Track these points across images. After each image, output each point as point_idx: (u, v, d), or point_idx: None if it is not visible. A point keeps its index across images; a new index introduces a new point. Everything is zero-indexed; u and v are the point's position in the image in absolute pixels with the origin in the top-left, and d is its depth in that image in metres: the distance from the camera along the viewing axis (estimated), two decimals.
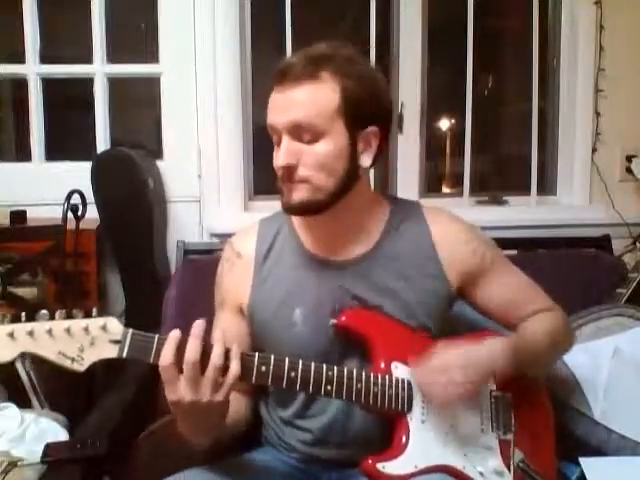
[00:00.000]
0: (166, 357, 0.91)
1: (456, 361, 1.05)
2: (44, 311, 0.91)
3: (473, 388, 1.06)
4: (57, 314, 0.92)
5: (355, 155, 1.09)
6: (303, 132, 1.05)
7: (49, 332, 0.90)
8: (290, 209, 1.11)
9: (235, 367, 0.93)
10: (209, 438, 1.03)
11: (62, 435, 1.39)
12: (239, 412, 1.13)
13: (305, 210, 1.10)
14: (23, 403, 1.55)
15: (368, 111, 1.08)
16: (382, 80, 1.13)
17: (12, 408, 1.43)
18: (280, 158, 1.06)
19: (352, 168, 1.08)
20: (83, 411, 1.45)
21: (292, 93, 1.04)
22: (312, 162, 1.05)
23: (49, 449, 1.21)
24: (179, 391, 0.91)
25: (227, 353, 0.94)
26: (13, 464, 1.24)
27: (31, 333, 0.89)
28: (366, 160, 1.10)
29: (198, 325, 0.94)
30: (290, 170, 1.06)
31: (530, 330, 1.17)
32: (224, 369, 0.92)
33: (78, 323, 0.91)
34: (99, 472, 1.23)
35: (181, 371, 0.91)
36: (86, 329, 0.91)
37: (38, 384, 1.63)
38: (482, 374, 1.07)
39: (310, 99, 1.04)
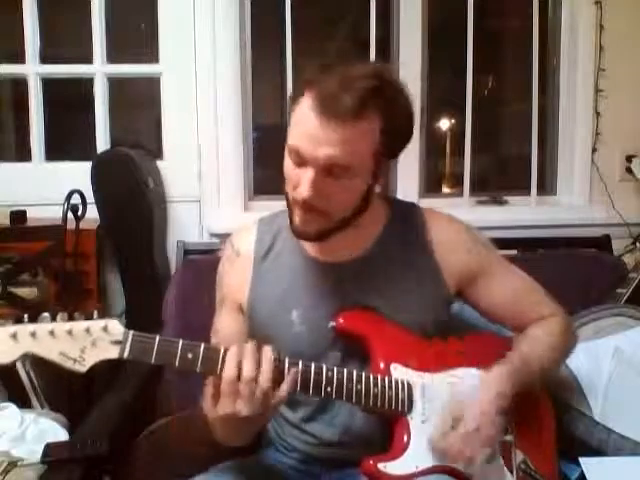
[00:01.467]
0: (230, 371, 0.91)
1: (473, 425, 1.02)
2: (46, 314, 0.92)
3: (493, 438, 1.04)
4: (59, 316, 0.92)
5: (373, 186, 1.09)
6: (335, 169, 1.00)
7: (51, 333, 0.90)
8: (303, 237, 1.10)
9: (285, 388, 0.94)
10: (244, 441, 1.05)
11: (62, 435, 1.39)
12: None
13: (318, 238, 1.09)
14: (23, 403, 1.55)
15: (398, 148, 1.08)
16: (413, 110, 1.08)
17: (12, 408, 1.43)
18: (304, 190, 1.01)
19: (368, 196, 1.09)
20: (83, 411, 1.45)
21: (334, 129, 0.97)
22: (335, 197, 1.03)
23: (49, 449, 1.21)
24: (237, 406, 0.91)
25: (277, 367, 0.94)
26: (13, 464, 1.24)
27: (33, 334, 0.90)
28: (378, 186, 1.11)
29: (251, 345, 0.94)
30: (311, 201, 1.02)
31: (535, 350, 1.15)
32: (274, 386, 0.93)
33: (80, 324, 0.92)
34: (99, 472, 1.23)
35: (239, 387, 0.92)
36: (87, 330, 0.92)
37: (38, 384, 1.63)
38: (495, 418, 1.04)
39: (351, 139, 0.99)
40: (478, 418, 1.03)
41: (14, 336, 0.89)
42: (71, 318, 0.93)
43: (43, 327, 0.90)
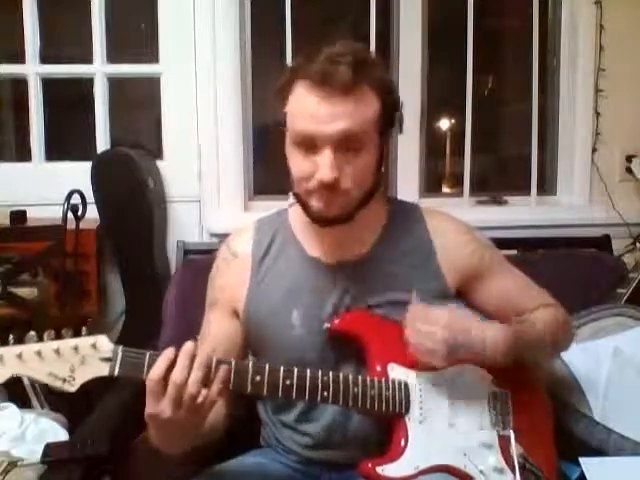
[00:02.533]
0: (156, 372, 0.89)
1: (444, 318, 1.03)
2: (32, 333, 0.90)
3: (447, 353, 1.02)
4: (45, 335, 0.90)
5: (382, 161, 1.09)
6: (350, 142, 1.01)
7: (38, 354, 0.89)
8: (326, 221, 1.08)
9: (213, 393, 0.91)
10: (180, 449, 1.01)
11: (62, 435, 1.40)
12: (217, 419, 1.08)
13: (339, 221, 1.08)
14: (23, 403, 1.55)
15: (392, 117, 1.09)
16: (393, 80, 1.14)
17: (12, 408, 1.43)
18: (326, 172, 1.00)
19: (379, 173, 1.09)
20: (83, 411, 1.45)
21: (339, 102, 0.99)
22: (355, 174, 1.03)
23: (49, 449, 1.21)
24: (159, 406, 0.89)
25: (209, 372, 0.91)
26: (13, 464, 1.24)
27: (20, 356, 0.88)
28: (383, 166, 1.11)
29: (188, 347, 0.92)
30: (334, 183, 1.01)
31: (531, 320, 1.16)
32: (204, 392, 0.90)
33: (67, 343, 0.90)
34: (99, 472, 1.23)
35: (166, 388, 0.89)
36: (75, 348, 0.90)
37: (38, 385, 1.63)
38: (464, 347, 1.03)
39: (357, 109, 1.01)
40: (456, 333, 1.02)
41: (1, 359, 0.88)
42: (58, 335, 0.91)
43: (29, 348, 0.88)
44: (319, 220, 1.08)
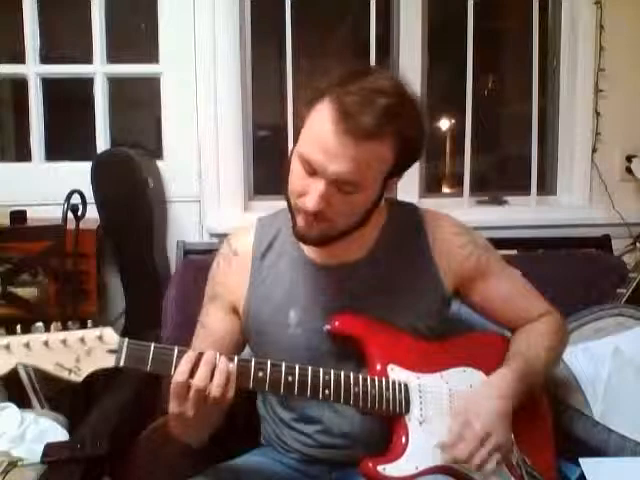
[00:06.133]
0: (181, 374, 0.92)
1: (479, 431, 1.02)
2: (39, 323, 0.91)
3: (506, 441, 1.05)
4: (52, 326, 0.92)
5: (380, 201, 1.09)
6: (345, 185, 0.99)
7: (45, 344, 0.90)
8: (304, 240, 1.09)
9: (232, 392, 0.95)
10: (200, 438, 1.09)
11: (62, 435, 1.40)
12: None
13: (320, 244, 1.09)
14: (23, 403, 1.55)
15: (408, 166, 1.08)
16: (425, 130, 1.06)
17: (12, 408, 1.43)
18: (312, 202, 0.99)
19: (372, 209, 1.08)
20: (83, 411, 1.45)
21: (351, 146, 0.96)
22: (343, 210, 1.02)
23: (49, 449, 1.21)
24: (183, 407, 0.93)
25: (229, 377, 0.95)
26: (13, 464, 1.24)
27: (27, 345, 0.89)
28: (384, 198, 1.11)
29: (210, 357, 0.95)
30: (316, 213, 1.01)
31: (533, 350, 1.16)
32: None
33: (74, 334, 0.91)
34: (99, 472, 1.23)
35: (189, 390, 0.93)
36: (82, 340, 0.92)
37: (38, 384, 1.63)
38: (505, 426, 1.05)
39: (367, 158, 0.98)
40: (487, 424, 1.03)
41: (7, 348, 0.89)
42: (65, 327, 0.92)
43: (37, 338, 0.90)
44: (299, 238, 1.09)
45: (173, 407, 0.94)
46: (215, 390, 0.92)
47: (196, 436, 1.08)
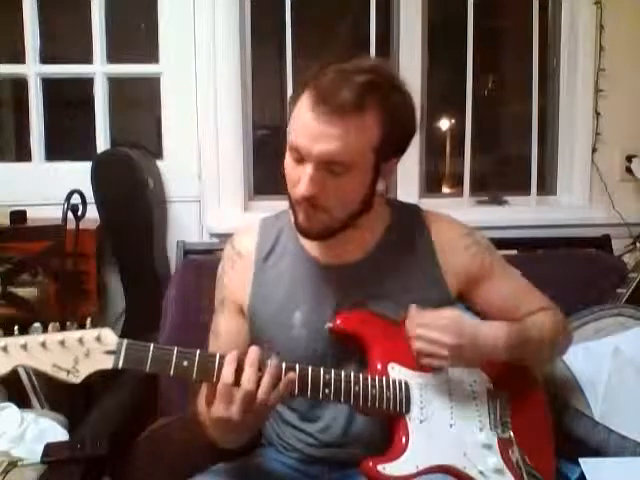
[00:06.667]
0: (227, 377, 0.92)
1: (445, 322, 1.04)
2: (37, 324, 0.90)
3: (455, 355, 1.04)
4: (50, 326, 0.91)
5: (375, 184, 1.08)
6: (334, 165, 1.00)
7: (43, 345, 0.89)
8: (307, 235, 1.10)
9: (279, 397, 0.94)
10: (238, 443, 1.07)
11: (62, 435, 1.39)
12: None
13: (322, 237, 1.09)
14: (23, 403, 1.55)
15: (400, 144, 1.07)
16: (415, 108, 1.08)
17: (12, 408, 1.43)
18: (303, 187, 1.00)
19: (370, 195, 1.08)
20: (83, 411, 1.45)
21: (331, 124, 0.97)
22: (336, 194, 1.02)
23: (49, 449, 1.21)
24: (229, 411, 0.92)
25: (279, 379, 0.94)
26: (13, 464, 1.24)
27: (25, 346, 0.88)
28: (381, 185, 1.09)
29: (255, 351, 0.94)
30: (312, 198, 1.02)
31: (531, 321, 1.16)
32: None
33: (72, 335, 0.90)
34: (99, 472, 1.23)
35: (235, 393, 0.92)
36: (80, 340, 0.90)
37: (38, 384, 1.63)
38: (470, 347, 1.05)
39: (349, 135, 0.98)
40: (459, 335, 1.03)
41: (5, 349, 0.88)
42: (63, 327, 0.91)
43: (34, 339, 0.89)
44: (302, 233, 1.10)
45: (218, 412, 0.92)
46: (263, 394, 0.91)
47: (236, 440, 1.06)
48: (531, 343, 1.13)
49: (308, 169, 1.00)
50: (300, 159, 1.02)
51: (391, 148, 1.06)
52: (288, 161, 1.05)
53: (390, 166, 1.09)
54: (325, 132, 0.98)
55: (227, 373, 0.92)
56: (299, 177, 1.02)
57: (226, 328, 1.19)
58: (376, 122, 1.01)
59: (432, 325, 1.04)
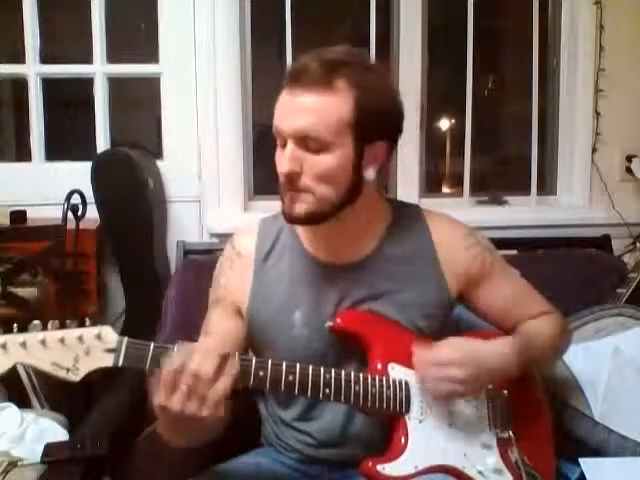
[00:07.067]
0: (174, 363, 0.88)
1: (456, 356, 1.04)
2: (36, 322, 0.90)
3: (473, 386, 1.05)
4: (50, 324, 0.90)
5: (360, 168, 1.06)
6: (309, 141, 1.01)
7: (42, 343, 0.88)
8: (292, 219, 1.08)
9: (222, 386, 0.89)
10: (188, 444, 0.99)
11: (62, 435, 1.39)
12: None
13: (307, 221, 1.08)
14: (23, 403, 1.55)
15: (379, 125, 1.05)
16: (396, 92, 1.09)
17: (12, 408, 1.43)
18: (283, 164, 1.02)
19: (356, 181, 1.06)
20: (83, 411, 1.45)
21: (303, 99, 1.00)
22: (315, 173, 1.02)
23: (49, 449, 1.21)
24: (171, 398, 0.87)
25: (223, 364, 0.90)
26: (13, 464, 1.24)
27: (24, 344, 0.87)
28: (371, 174, 1.07)
29: (205, 345, 0.94)
30: (293, 178, 1.03)
31: (534, 330, 1.17)
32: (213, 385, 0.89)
33: (72, 332, 0.90)
34: (99, 472, 1.23)
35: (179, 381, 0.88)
36: (80, 338, 0.90)
37: (38, 384, 1.63)
38: (484, 373, 1.06)
39: (321, 108, 1.00)
40: (457, 354, 1.03)
41: (4, 347, 0.87)
42: (63, 325, 0.90)
43: (34, 337, 0.88)
44: (289, 219, 1.09)
45: (160, 399, 0.87)
46: (205, 376, 0.86)
47: (184, 440, 0.98)
48: (536, 353, 1.14)
49: (288, 147, 1.03)
50: (283, 143, 1.04)
51: (372, 129, 1.04)
52: (277, 150, 1.07)
53: (376, 151, 1.07)
54: (297, 107, 1.01)
55: (175, 359, 0.87)
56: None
57: (218, 328, 1.17)
58: (348, 98, 1.01)
59: (445, 362, 1.04)
